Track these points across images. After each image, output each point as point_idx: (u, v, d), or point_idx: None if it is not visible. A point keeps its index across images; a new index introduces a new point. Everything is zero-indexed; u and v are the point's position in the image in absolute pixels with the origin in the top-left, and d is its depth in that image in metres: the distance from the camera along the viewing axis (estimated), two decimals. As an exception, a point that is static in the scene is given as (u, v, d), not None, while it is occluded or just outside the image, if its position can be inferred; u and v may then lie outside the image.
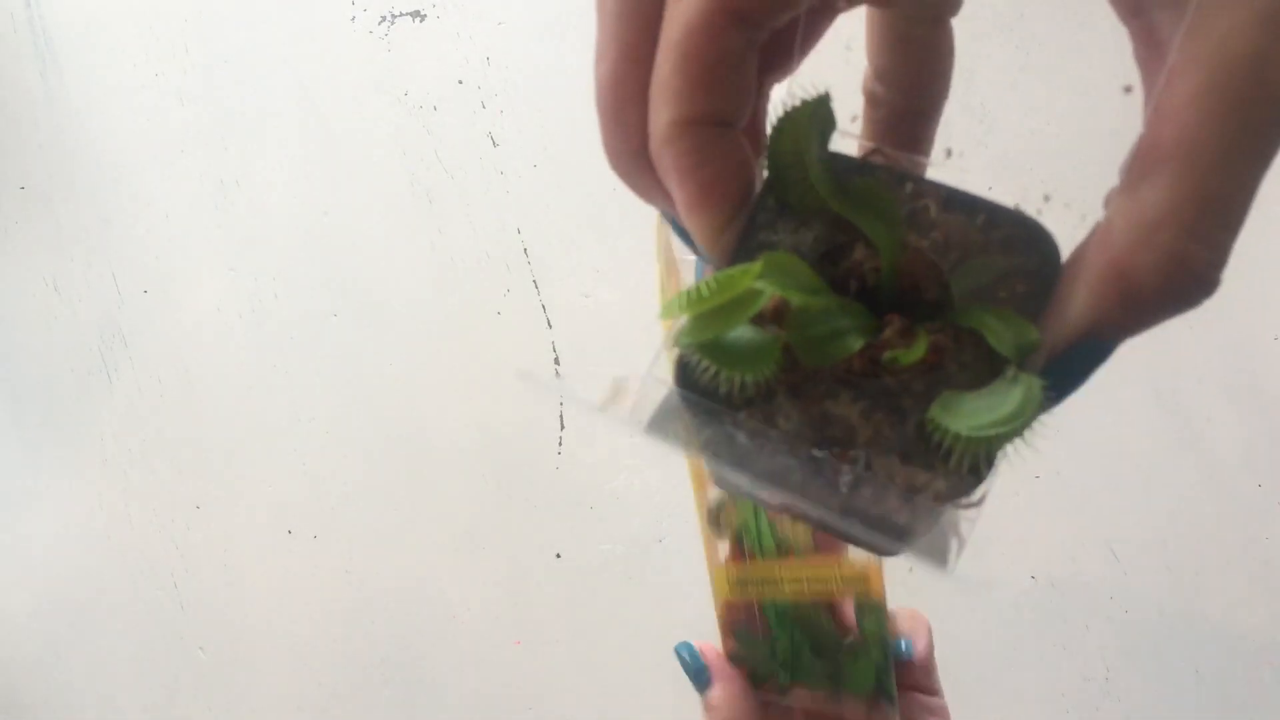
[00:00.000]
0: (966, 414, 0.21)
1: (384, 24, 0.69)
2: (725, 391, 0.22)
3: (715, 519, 0.30)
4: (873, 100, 0.28)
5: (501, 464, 0.61)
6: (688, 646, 0.33)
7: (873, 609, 0.33)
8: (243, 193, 0.65)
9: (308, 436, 0.61)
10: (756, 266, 0.22)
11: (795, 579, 0.33)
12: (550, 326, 0.61)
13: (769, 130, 0.23)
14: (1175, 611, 0.61)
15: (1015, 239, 0.24)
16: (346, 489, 0.60)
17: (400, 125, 0.66)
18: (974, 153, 0.26)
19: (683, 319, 0.22)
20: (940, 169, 0.25)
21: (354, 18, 0.69)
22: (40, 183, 0.65)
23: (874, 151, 0.25)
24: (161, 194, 0.65)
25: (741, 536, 0.35)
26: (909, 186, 0.24)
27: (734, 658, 0.34)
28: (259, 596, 0.58)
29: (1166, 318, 0.20)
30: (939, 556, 0.22)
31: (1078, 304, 0.21)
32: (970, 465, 0.21)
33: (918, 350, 0.22)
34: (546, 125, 0.67)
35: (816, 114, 0.23)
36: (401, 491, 0.60)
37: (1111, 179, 0.20)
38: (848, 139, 0.25)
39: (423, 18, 0.69)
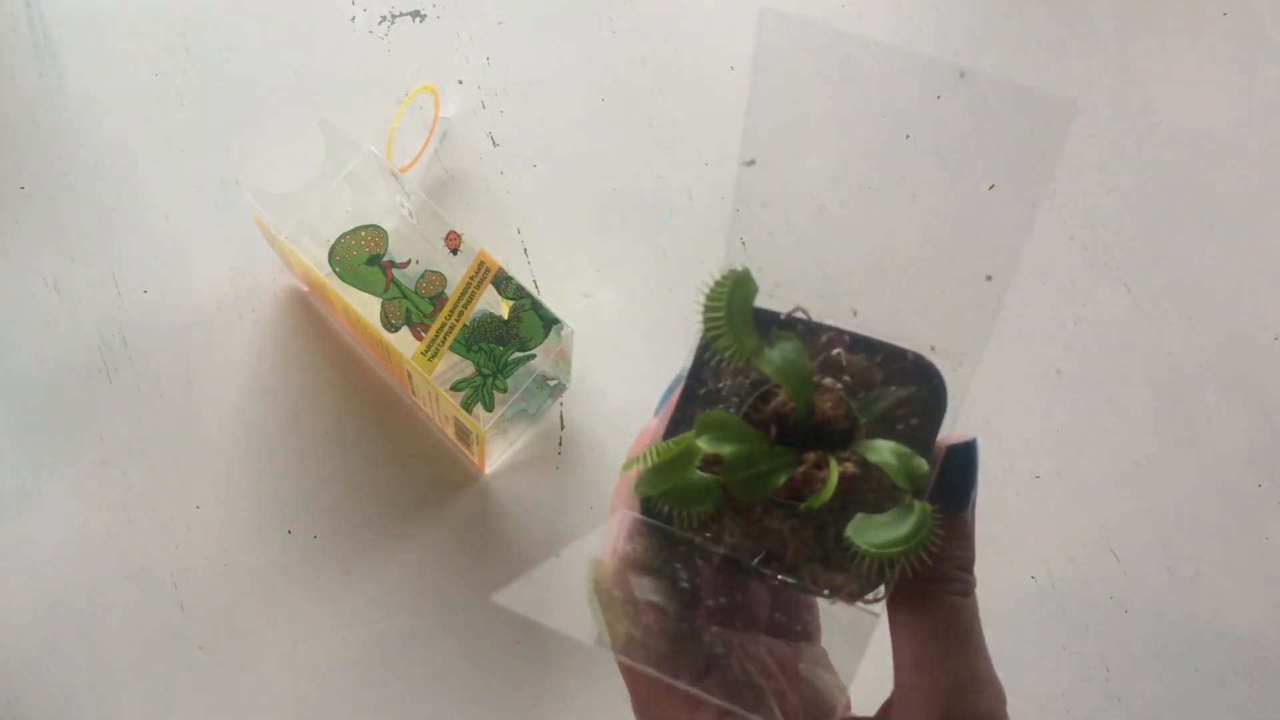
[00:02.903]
0: (873, 534, 0.28)
1: (384, 24, 0.69)
2: (680, 522, 0.29)
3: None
4: None
5: (501, 463, 0.61)
6: None
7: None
8: (243, 193, 0.65)
9: (308, 436, 0.61)
10: (691, 434, 0.29)
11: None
12: (550, 326, 0.61)
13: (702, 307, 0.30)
14: (1175, 611, 0.61)
15: (908, 372, 0.30)
16: (346, 489, 0.60)
17: (400, 125, 0.66)
18: (873, 311, 0.33)
19: (643, 469, 0.29)
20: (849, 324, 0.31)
21: (354, 18, 0.69)
22: (40, 183, 0.65)
23: (796, 309, 0.31)
24: (161, 194, 0.65)
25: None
26: (824, 336, 0.31)
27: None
28: (259, 596, 0.58)
29: None
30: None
31: None
32: (875, 572, 0.27)
33: (826, 494, 0.28)
34: (546, 125, 0.68)
35: (738, 286, 0.29)
36: (401, 491, 0.60)
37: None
38: (774, 299, 0.31)
39: (423, 18, 0.69)
